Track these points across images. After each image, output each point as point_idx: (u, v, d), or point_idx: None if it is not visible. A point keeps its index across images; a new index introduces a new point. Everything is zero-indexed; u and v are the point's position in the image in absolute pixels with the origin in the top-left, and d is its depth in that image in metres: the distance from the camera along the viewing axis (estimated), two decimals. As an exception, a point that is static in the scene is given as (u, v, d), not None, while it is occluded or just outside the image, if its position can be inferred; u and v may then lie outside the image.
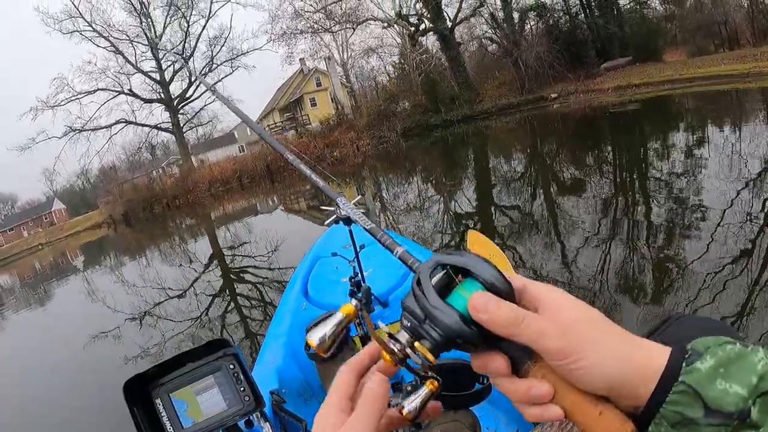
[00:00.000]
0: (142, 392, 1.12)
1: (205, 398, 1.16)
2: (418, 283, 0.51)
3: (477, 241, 3.16)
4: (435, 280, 0.51)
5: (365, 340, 2.26)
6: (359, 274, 2.47)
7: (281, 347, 2.27)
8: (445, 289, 0.51)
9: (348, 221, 2.50)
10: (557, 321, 0.47)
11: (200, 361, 1.19)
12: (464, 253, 0.52)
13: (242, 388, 1.18)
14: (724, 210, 4.78)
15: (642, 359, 0.45)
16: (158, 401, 1.13)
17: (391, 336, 0.52)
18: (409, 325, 0.51)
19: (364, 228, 0.79)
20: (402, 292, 2.58)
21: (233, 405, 1.17)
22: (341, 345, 1.89)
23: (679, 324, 0.78)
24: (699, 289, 3.41)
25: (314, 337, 0.56)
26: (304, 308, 2.67)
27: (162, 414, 1.12)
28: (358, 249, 2.51)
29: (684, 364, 0.43)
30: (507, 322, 0.47)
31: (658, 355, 0.45)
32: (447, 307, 0.49)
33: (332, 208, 2.55)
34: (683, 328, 0.77)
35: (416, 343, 0.50)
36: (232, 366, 1.19)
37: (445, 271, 0.51)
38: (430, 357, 0.50)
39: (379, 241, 0.77)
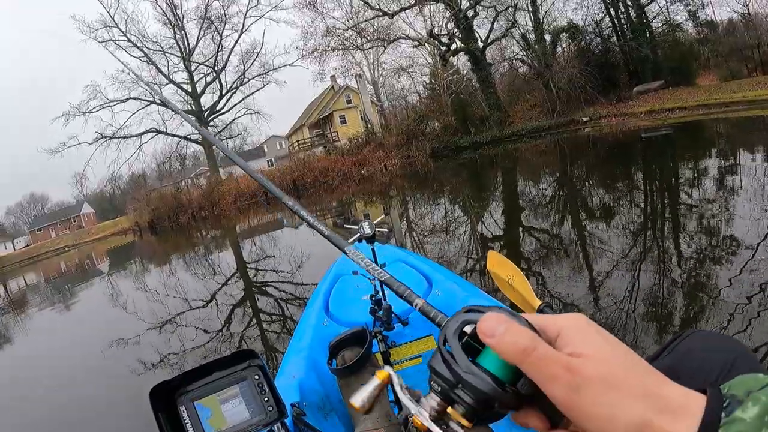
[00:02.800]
0: (167, 399, 1.12)
1: (229, 407, 1.16)
2: (445, 342, 0.49)
3: (497, 262, 3.07)
4: (464, 332, 0.50)
5: (386, 356, 2.30)
6: (380, 293, 2.49)
7: (303, 361, 2.28)
8: (472, 346, 0.49)
9: (370, 240, 2.55)
10: (574, 370, 0.42)
11: (226, 370, 1.20)
12: (492, 308, 0.50)
13: (266, 399, 1.19)
14: (758, 243, 4.59)
15: (667, 423, 0.39)
16: (182, 408, 1.13)
17: (419, 401, 0.51)
18: (439, 389, 0.49)
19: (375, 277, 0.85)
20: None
21: (256, 415, 1.17)
22: (363, 361, 1.90)
23: (690, 339, 0.88)
24: (729, 317, 3.34)
25: (357, 400, 0.59)
26: (325, 324, 2.65)
27: (186, 421, 1.12)
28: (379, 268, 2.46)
29: (723, 414, 0.38)
30: (515, 349, 0.44)
31: (691, 410, 0.40)
32: (479, 370, 0.46)
33: (356, 227, 2.59)
34: (694, 342, 0.87)
35: (449, 409, 0.48)
36: (257, 377, 1.20)
37: (473, 328, 0.49)
38: (465, 423, 0.48)
39: (395, 291, 0.80)
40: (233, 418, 1.15)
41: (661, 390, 0.41)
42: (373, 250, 2.60)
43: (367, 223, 2.57)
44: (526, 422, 0.48)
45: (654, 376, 0.43)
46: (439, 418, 0.49)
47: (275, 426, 1.20)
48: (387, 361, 2.32)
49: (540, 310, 2.47)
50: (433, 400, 0.49)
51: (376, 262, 2.48)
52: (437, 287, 2.77)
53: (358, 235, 2.57)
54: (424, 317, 2.16)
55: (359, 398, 0.57)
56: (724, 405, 0.39)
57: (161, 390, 1.11)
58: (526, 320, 0.48)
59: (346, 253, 0.99)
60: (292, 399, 1.90)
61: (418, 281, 2.91)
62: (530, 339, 0.44)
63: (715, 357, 0.81)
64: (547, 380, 0.43)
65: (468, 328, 0.50)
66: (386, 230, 2.72)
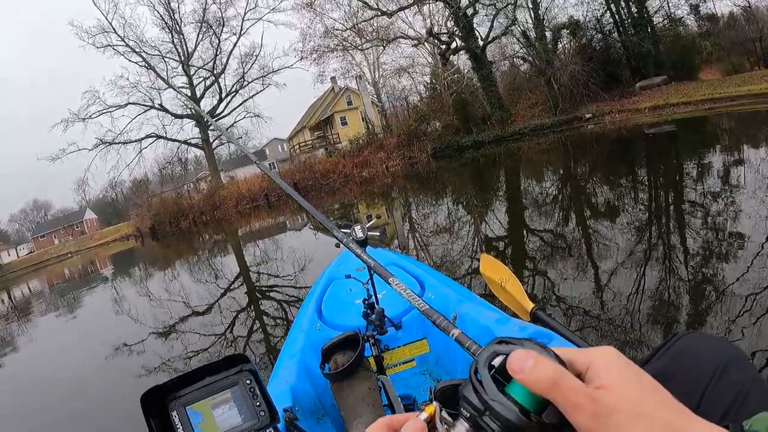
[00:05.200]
0: (159, 404, 1.11)
1: (221, 412, 1.15)
2: (476, 371, 0.52)
3: (489, 266, 3.09)
4: (496, 363, 0.52)
5: (379, 360, 2.28)
6: (373, 297, 2.46)
7: (295, 365, 2.28)
8: (502, 376, 0.51)
9: (363, 244, 2.48)
10: (598, 400, 0.44)
11: (218, 375, 1.19)
12: (523, 342, 0.52)
13: (258, 404, 1.18)
14: (764, 242, 4.46)
15: None
16: (174, 413, 1.12)
17: (448, 424, 0.54)
18: (468, 416, 0.51)
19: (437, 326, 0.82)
20: (415, 315, 2.56)
21: (248, 420, 1.16)
22: (356, 365, 1.89)
23: (683, 341, 0.90)
24: (736, 316, 3.27)
25: None
26: (318, 328, 2.64)
27: (177, 426, 1.10)
28: (371, 272, 2.49)
29: None
30: (543, 382, 0.46)
31: None
32: (506, 400, 0.49)
33: (347, 230, 2.54)
34: (687, 343, 0.89)
35: None
36: (249, 381, 1.20)
37: (503, 359, 0.51)
38: None
39: (434, 322, 0.79)
40: (225, 423, 1.14)
41: (685, 425, 0.43)
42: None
43: (359, 227, 2.52)
44: None
45: (678, 411, 0.44)
46: None
47: (267, 431, 1.17)
48: (380, 365, 2.28)
49: (533, 313, 2.50)
50: (461, 425, 0.52)
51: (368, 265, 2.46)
52: (430, 291, 2.74)
53: (350, 238, 2.48)
54: (417, 321, 2.16)
55: None
56: None
57: (152, 395, 1.10)
58: (555, 353, 0.50)
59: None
60: (284, 404, 1.87)
61: (411, 284, 2.87)
62: (556, 372, 0.46)
63: (708, 359, 0.83)
64: (572, 409, 0.44)
65: (499, 359, 0.52)
66: (378, 234, 2.74)
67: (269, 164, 51.64)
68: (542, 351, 0.50)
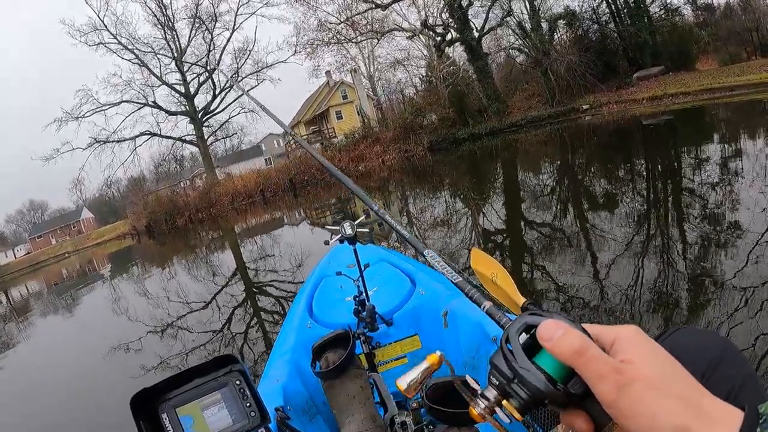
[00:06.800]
0: (148, 406, 1.10)
1: (211, 414, 1.15)
2: (507, 341, 0.54)
3: (480, 260, 2.97)
4: (523, 338, 0.54)
5: (370, 357, 2.33)
6: (363, 293, 2.50)
7: (286, 364, 2.26)
8: (531, 347, 0.53)
9: (352, 241, 2.55)
10: (622, 371, 0.47)
11: (207, 376, 1.19)
12: (552, 314, 0.54)
13: (248, 404, 1.18)
14: (765, 230, 4.42)
15: (705, 431, 0.43)
16: (164, 416, 1.11)
17: (479, 392, 0.56)
18: (497, 383, 0.54)
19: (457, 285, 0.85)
20: (406, 311, 2.60)
21: (239, 421, 1.16)
22: (347, 363, 1.91)
23: (677, 335, 0.91)
24: (735, 309, 3.24)
25: (403, 382, 0.69)
26: (309, 326, 2.64)
27: (168, 429, 1.10)
28: (362, 268, 2.55)
29: (758, 430, 0.41)
30: (570, 351, 0.48)
31: (727, 422, 0.43)
32: (535, 368, 0.51)
33: (337, 228, 2.61)
34: (680, 338, 0.89)
35: (504, 402, 0.53)
36: (238, 382, 1.19)
37: (533, 330, 0.53)
38: (518, 416, 0.52)
39: (467, 294, 0.82)
40: (216, 425, 1.14)
41: (702, 401, 0.45)
42: (355, 250, 2.58)
43: (348, 223, 2.56)
44: (572, 422, 0.52)
45: (696, 388, 0.47)
46: (494, 409, 0.54)
47: (258, 431, 1.17)
48: (371, 363, 2.32)
49: (524, 308, 2.34)
50: (490, 393, 0.54)
51: (358, 262, 2.54)
52: (421, 286, 2.76)
53: (340, 235, 2.57)
54: (409, 317, 2.19)
55: (404, 381, 0.64)
56: (761, 421, 0.41)
57: (142, 397, 1.09)
58: (582, 327, 0.52)
59: (423, 255, 0.96)
60: (276, 403, 1.88)
61: (402, 281, 2.92)
62: (583, 342, 0.49)
63: (702, 353, 0.83)
64: (596, 378, 0.47)
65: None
66: (367, 230, 2.67)
67: (265, 159, 51.47)
68: (571, 323, 0.52)
